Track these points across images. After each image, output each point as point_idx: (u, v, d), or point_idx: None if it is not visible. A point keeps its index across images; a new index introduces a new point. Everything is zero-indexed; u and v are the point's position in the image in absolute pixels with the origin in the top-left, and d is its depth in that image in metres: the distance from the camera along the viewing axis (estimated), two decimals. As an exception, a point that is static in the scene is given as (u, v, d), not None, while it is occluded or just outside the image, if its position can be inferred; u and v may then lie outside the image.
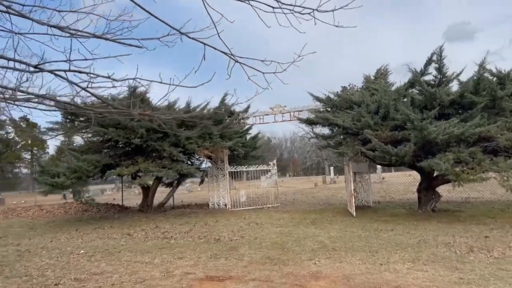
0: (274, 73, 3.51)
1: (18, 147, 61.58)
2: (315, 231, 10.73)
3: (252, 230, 11.36)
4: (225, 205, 16.79)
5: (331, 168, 42.62)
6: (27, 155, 65.21)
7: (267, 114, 16.58)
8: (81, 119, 15.35)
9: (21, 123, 56.42)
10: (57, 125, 15.63)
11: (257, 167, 17.15)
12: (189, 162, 17.76)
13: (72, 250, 9.72)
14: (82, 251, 9.49)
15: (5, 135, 59.43)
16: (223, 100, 16.40)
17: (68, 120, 15.52)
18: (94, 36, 3.48)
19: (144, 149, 14.26)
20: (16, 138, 61.25)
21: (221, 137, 14.87)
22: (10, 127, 58.45)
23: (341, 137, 13.01)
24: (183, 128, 14.05)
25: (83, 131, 15.53)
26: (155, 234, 11.53)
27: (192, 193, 32.97)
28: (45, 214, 18.82)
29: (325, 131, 14.51)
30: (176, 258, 8.29)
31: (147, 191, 16.79)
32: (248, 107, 17.51)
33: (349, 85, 15.08)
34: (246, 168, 17.03)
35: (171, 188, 17.99)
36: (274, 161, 17.57)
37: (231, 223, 12.96)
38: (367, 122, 11.74)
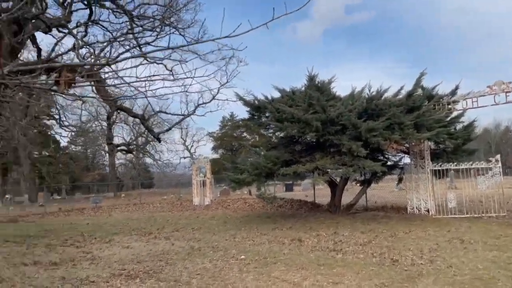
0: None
1: (249, 143, 70.41)
2: (554, 265, 7.03)
3: (450, 252, 8.41)
4: (428, 210, 13.62)
5: None
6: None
7: (483, 95, 12.47)
8: (267, 115, 15.23)
9: (250, 123, 64.29)
10: (247, 122, 16.12)
11: (471, 164, 13.16)
12: (383, 158, 15.32)
13: (235, 254, 9.23)
14: (242, 256, 8.87)
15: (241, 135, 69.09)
16: (418, 81, 13.23)
17: (255, 117, 15.67)
18: None
19: (322, 144, 12.83)
20: (247, 135, 70.30)
21: (415, 128, 11.93)
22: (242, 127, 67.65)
23: None
24: (364, 118, 11.88)
25: (266, 127, 15.38)
26: (326, 243, 9.97)
27: (402, 191, 29.42)
28: (247, 207, 19.81)
29: None
30: (330, 283, 6.59)
31: (334, 190, 15.30)
32: (456, 88, 13.72)
33: None
34: (455, 165, 13.31)
35: (362, 187, 15.94)
36: (498, 157, 13.15)
37: (426, 237, 10.13)
38: None
